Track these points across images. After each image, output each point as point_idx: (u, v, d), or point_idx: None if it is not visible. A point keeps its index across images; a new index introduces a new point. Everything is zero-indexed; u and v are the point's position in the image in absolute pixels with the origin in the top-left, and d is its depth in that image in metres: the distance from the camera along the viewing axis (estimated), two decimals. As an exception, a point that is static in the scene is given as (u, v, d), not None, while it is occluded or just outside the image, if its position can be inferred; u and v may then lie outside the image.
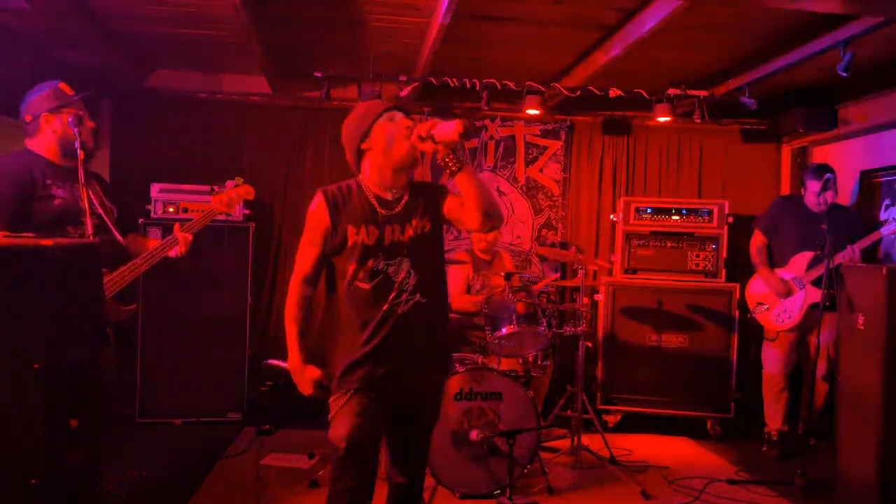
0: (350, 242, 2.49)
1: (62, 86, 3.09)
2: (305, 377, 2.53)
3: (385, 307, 2.49)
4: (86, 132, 3.05)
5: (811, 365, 4.72)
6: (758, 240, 5.14)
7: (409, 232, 2.54)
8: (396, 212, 2.56)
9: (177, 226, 3.30)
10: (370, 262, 2.49)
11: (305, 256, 2.56)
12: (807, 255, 4.84)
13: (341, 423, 2.45)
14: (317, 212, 2.53)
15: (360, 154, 2.61)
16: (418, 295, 2.52)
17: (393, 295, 2.50)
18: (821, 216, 4.66)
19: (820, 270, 4.54)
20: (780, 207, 5.18)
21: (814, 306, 4.67)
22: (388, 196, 2.57)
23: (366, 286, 2.49)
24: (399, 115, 2.60)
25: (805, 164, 5.98)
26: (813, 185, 4.83)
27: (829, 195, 4.74)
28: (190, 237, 3.28)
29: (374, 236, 2.50)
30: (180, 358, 5.13)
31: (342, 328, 2.54)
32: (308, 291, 2.56)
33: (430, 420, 2.70)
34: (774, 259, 5.06)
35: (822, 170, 4.84)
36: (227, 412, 5.23)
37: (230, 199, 3.57)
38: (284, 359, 2.63)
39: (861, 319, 3.73)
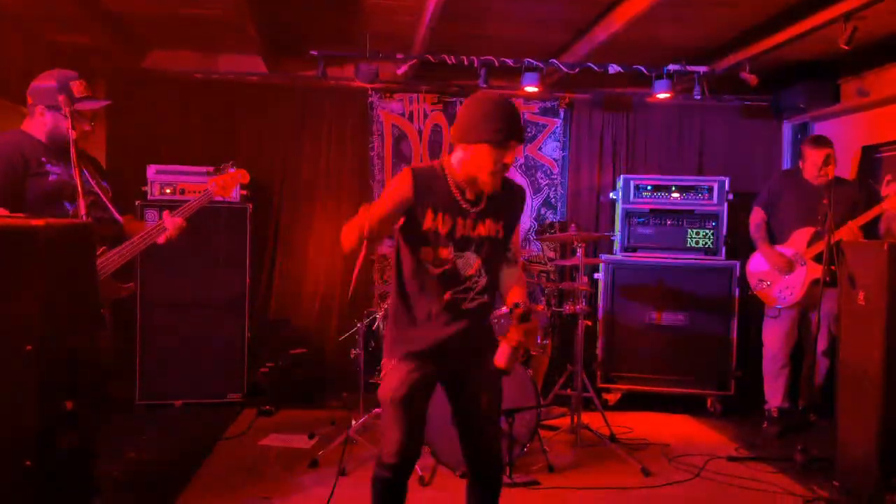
0: (425, 226, 2.52)
1: (74, 84, 2.99)
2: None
3: (447, 297, 2.56)
4: (80, 135, 3.01)
5: (812, 341, 4.71)
6: (756, 216, 5.11)
7: (481, 230, 2.58)
8: (473, 208, 2.57)
9: (166, 213, 3.26)
10: (440, 250, 2.54)
11: (379, 212, 2.48)
12: (808, 231, 4.81)
13: (389, 380, 2.57)
14: (402, 184, 2.52)
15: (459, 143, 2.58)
16: (486, 296, 2.63)
17: (458, 288, 2.57)
18: (821, 190, 4.63)
19: (821, 246, 4.51)
20: (779, 183, 5.14)
21: (815, 282, 4.65)
22: (469, 191, 2.57)
23: (433, 271, 2.55)
24: (512, 146, 2.51)
25: (803, 136, 5.95)
26: (813, 156, 4.79)
27: (830, 169, 4.71)
28: (181, 221, 3.24)
29: (447, 226, 2.53)
30: (180, 340, 5.13)
31: (404, 304, 2.61)
32: (365, 244, 2.49)
33: (486, 378, 2.66)
34: (774, 235, 5.03)
35: (822, 141, 4.80)
36: (227, 393, 5.23)
37: (225, 183, 3.55)
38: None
39: (862, 295, 3.72)
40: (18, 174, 2.88)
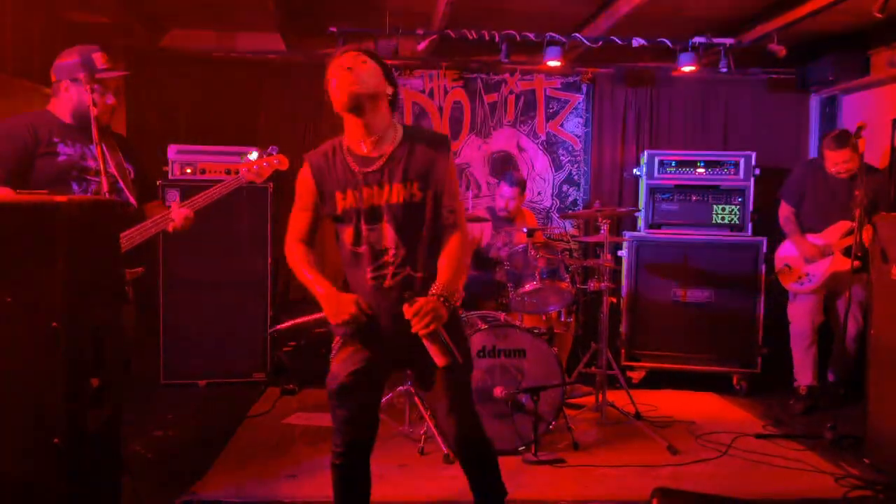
0: (339, 209, 2.43)
1: (95, 56, 2.96)
2: (344, 300, 2.36)
3: (369, 276, 2.42)
4: (104, 108, 3.00)
5: (841, 328, 4.61)
6: (785, 210, 5.00)
7: (392, 197, 2.40)
8: (373, 170, 2.41)
9: (174, 203, 3.16)
10: (359, 227, 2.42)
11: (299, 221, 2.53)
12: (844, 224, 4.67)
13: (330, 370, 2.50)
14: (303, 180, 2.49)
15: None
16: (408, 268, 2.42)
17: (378, 264, 2.41)
18: (847, 182, 4.61)
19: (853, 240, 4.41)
20: (804, 174, 4.99)
21: (837, 274, 4.64)
22: (367, 151, 2.43)
23: (358, 250, 2.44)
24: (344, 58, 2.38)
25: (831, 110, 5.84)
26: (833, 157, 4.66)
27: (851, 164, 4.59)
28: (188, 212, 3.14)
29: (358, 199, 2.41)
30: (203, 320, 5.14)
31: (346, 284, 2.55)
32: (307, 247, 2.54)
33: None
34: (804, 225, 4.91)
35: (841, 141, 4.61)
36: (251, 373, 5.24)
37: (259, 169, 3.44)
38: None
39: (895, 270, 3.65)
40: (29, 153, 2.86)
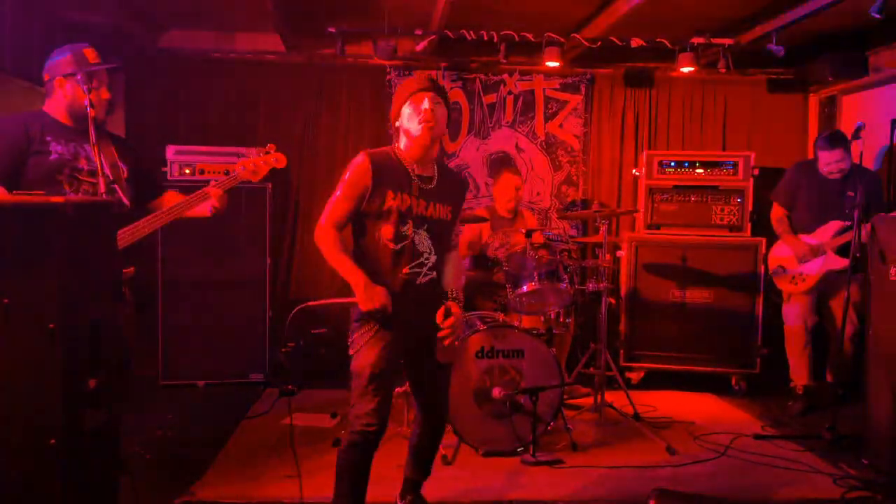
0: (386, 206, 2.71)
1: (87, 51, 2.99)
2: (378, 290, 2.67)
3: (405, 271, 2.76)
4: (100, 104, 3.00)
5: (838, 328, 4.61)
6: (777, 212, 5.01)
7: (433, 211, 2.81)
8: (427, 188, 2.80)
9: (212, 183, 3.20)
10: (401, 227, 2.74)
11: (340, 208, 2.74)
12: (836, 224, 4.69)
13: (367, 353, 2.73)
14: (360, 171, 2.72)
15: (397, 129, 2.86)
16: (435, 273, 2.86)
17: (415, 263, 2.78)
18: (839, 183, 4.62)
19: (847, 237, 4.44)
20: (797, 176, 4.99)
21: (830, 272, 4.65)
22: (421, 171, 2.81)
23: (393, 247, 2.74)
24: (425, 98, 2.73)
25: (830, 110, 5.84)
26: (825, 157, 4.69)
27: (844, 164, 4.61)
28: (220, 192, 3.18)
29: (406, 204, 2.74)
30: (201, 320, 5.14)
31: (368, 276, 2.74)
32: (340, 234, 2.76)
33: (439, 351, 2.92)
34: (795, 228, 4.93)
35: (834, 141, 4.66)
36: (250, 373, 5.24)
37: (256, 167, 3.43)
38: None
39: (893, 271, 3.64)
40: (21, 152, 2.86)
